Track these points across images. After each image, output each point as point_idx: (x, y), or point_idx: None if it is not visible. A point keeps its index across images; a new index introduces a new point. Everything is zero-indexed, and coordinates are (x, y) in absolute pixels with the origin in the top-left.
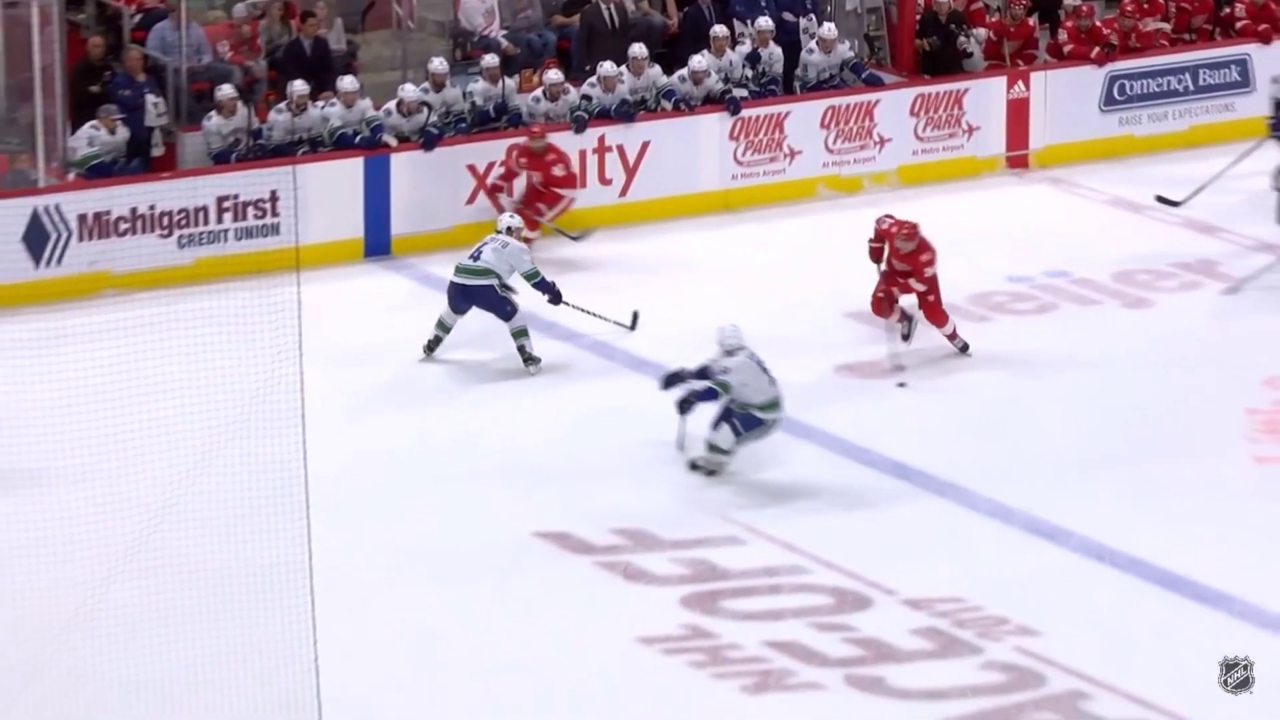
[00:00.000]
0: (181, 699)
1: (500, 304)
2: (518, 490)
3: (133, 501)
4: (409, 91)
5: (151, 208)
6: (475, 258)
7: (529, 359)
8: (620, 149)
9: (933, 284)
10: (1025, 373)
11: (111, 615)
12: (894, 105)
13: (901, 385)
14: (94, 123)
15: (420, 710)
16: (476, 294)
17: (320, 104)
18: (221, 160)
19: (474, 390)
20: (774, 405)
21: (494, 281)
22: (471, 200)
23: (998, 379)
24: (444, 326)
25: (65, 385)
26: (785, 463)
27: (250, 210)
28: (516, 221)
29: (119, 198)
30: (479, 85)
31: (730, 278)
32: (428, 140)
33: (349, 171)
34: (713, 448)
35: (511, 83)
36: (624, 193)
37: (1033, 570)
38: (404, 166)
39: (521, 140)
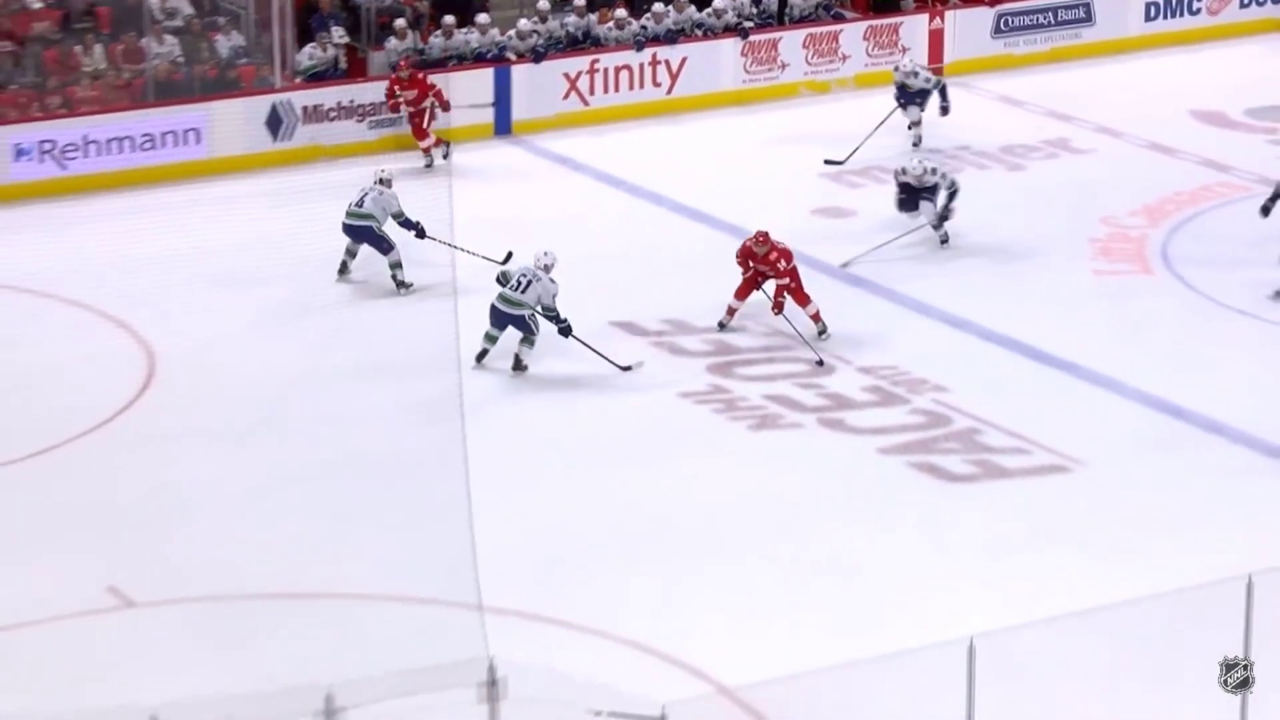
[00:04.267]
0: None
1: (378, 241)
2: (599, 289)
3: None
4: (523, 24)
5: (351, 101)
6: (359, 205)
7: (400, 284)
8: (666, 63)
9: (792, 274)
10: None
11: (321, 464)
12: (853, 33)
13: (819, 364)
14: (312, 44)
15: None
16: (361, 232)
17: (464, 31)
18: (395, 70)
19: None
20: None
21: (373, 224)
22: (566, 97)
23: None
24: (350, 253)
25: (294, 219)
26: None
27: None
28: (388, 173)
29: (328, 95)
30: (570, 19)
31: (740, 148)
32: (536, 56)
33: (484, 77)
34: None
35: (593, 17)
36: (669, 91)
37: (945, 349)
38: (521, 74)
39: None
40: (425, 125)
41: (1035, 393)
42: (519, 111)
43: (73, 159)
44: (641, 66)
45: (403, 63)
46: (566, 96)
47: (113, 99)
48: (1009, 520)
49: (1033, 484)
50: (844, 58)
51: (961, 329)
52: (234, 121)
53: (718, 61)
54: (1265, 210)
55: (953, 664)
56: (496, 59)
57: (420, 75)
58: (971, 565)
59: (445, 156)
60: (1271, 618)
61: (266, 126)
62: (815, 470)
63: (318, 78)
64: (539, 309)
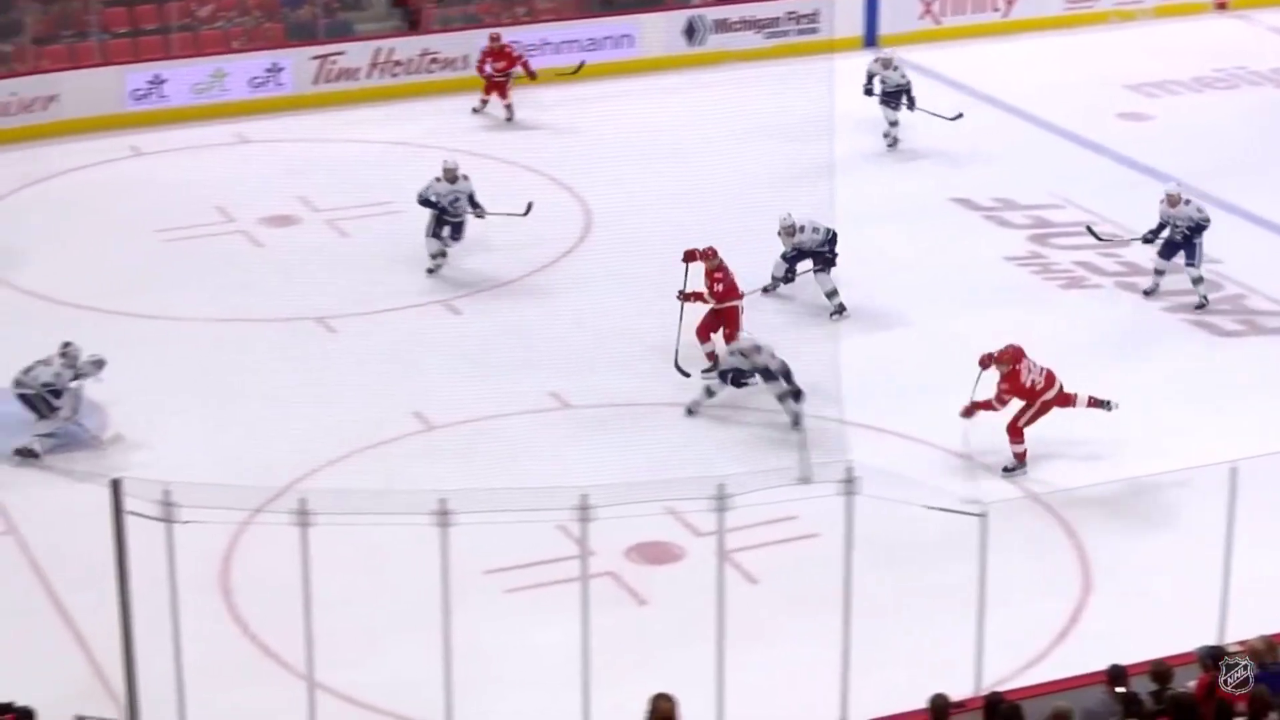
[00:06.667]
0: None
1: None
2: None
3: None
4: None
5: (753, 15)
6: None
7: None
8: None
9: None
10: None
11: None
12: None
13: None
14: None
15: None
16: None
17: None
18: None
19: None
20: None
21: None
22: (921, 17)
23: None
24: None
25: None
26: None
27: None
28: (451, 161)
29: (733, 11)
30: None
31: (1059, 63)
32: None
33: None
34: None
35: None
36: (1005, 15)
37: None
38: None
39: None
40: (507, 89)
41: None
42: (884, 27)
43: (534, 56)
44: None
45: (495, 35)
46: (921, 16)
47: (565, 10)
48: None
49: None
50: None
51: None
52: (659, 30)
53: None
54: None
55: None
56: None
57: (508, 48)
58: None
59: (509, 119)
60: None
61: (684, 34)
62: (1109, 322)
63: None
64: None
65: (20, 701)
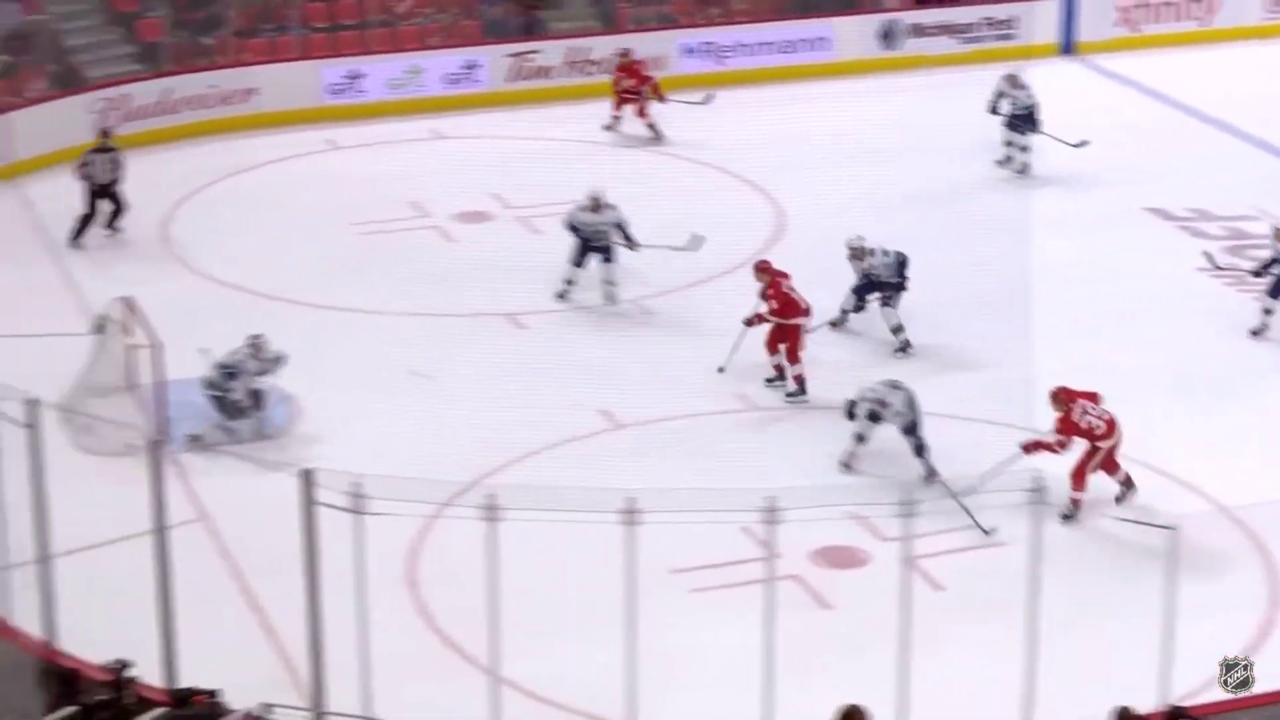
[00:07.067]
0: None
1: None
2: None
3: None
4: None
5: (949, 20)
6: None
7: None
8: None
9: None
10: None
11: None
12: None
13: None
14: None
15: None
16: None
17: None
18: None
19: None
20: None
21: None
22: (1116, 24)
23: None
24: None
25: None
26: None
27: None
28: (596, 191)
29: (929, 16)
30: None
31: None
32: None
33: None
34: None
35: None
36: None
37: None
38: (1090, 2)
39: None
40: (644, 108)
41: None
42: (1082, 34)
43: (728, 57)
44: (1183, 3)
45: (624, 51)
46: (1119, 24)
47: (761, 11)
48: None
49: None
50: None
51: None
52: (855, 33)
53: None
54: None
55: None
56: None
57: (638, 65)
58: None
59: (653, 138)
60: None
61: (880, 38)
62: None
63: (924, 1)
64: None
65: (208, 687)
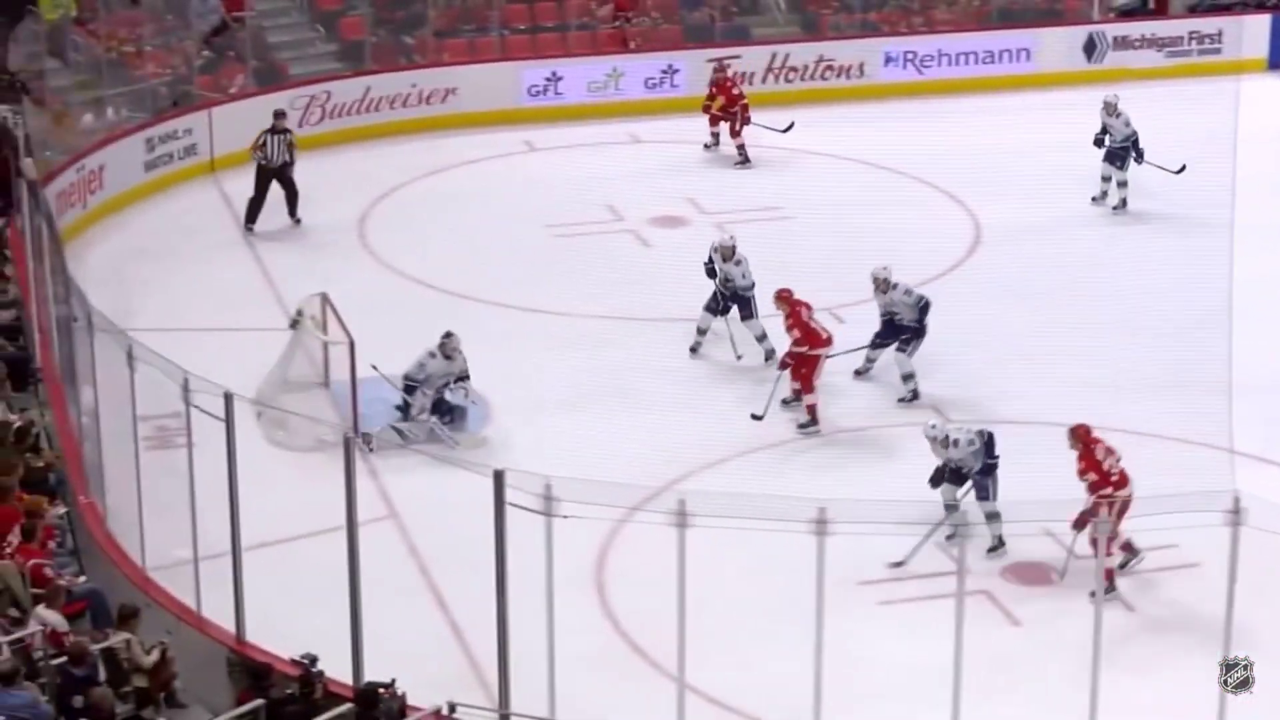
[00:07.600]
0: None
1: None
2: None
3: None
4: None
5: (1153, 34)
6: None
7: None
8: None
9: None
10: None
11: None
12: None
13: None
14: None
15: None
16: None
17: None
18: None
19: None
20: None
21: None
22: None
23: None
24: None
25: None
26: None
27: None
28: (724, 240)
29: (1135, 28)
30: None
31: None
32: None
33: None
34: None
35: None
36: None
37: None
38: None
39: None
40: (737, 128)
41: None
42: None
43: (929, 67)
44: None
45: (720, 66)
46: None
47: (964, 21)
48: None
49: None
50: None
51: None
52: (1057, 45)
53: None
54: None
55: None
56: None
57: (729, 83)
58: None
59: (740, 162)
60: None
61: (1083, 50)
62: None
63: (1128, 14)
64: None
65: (395, 683)
